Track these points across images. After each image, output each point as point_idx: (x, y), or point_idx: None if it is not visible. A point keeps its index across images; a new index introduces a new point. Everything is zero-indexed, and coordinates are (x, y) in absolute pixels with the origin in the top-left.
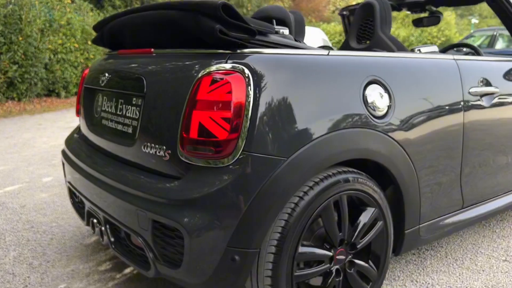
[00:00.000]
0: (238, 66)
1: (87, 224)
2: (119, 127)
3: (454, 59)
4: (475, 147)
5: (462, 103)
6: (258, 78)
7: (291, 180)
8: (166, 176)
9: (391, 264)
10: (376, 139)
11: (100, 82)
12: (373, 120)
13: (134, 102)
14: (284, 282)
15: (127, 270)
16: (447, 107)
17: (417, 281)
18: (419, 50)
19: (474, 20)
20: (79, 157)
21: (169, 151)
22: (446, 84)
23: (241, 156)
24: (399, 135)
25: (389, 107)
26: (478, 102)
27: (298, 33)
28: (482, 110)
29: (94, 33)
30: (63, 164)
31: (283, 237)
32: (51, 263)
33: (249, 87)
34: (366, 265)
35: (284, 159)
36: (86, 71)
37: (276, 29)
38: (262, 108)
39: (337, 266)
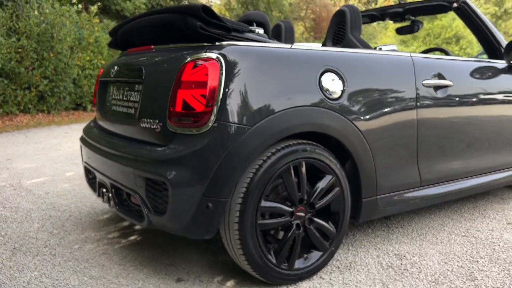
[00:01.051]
0: (214, 55)
1: (98, 195)
2: (124, 110)
3: (410, 56)
4: (429, 132)
5: (415, 92)
6: (230, 64)
7: (255, 144)
8: (157, 145)
9: (359, 236)
10: (330, 117)
11: (111, 75)
12: (328, 101)
13: (136, 89)
14: (249, 228)
15: (132, 238)
16: (400, 94)
17: (380, 249)
18: (380, 48)
19: None
20: (93, 139)
21: (160, 124)
22: (399, 75)
23: (214, 124)
24: (353, 115)
25: (342, 91)
26: (431, 92)
27: (289, 38)
28: (436, 99)
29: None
30: (81, 148)
31: (248, 191)
32: (68, 232)
33: (221, 71)
34: (325, 224)
35: (249, 127)
36: (102, 70)
37: (252, 29)
38: (232, 87)
39: (297, 221)
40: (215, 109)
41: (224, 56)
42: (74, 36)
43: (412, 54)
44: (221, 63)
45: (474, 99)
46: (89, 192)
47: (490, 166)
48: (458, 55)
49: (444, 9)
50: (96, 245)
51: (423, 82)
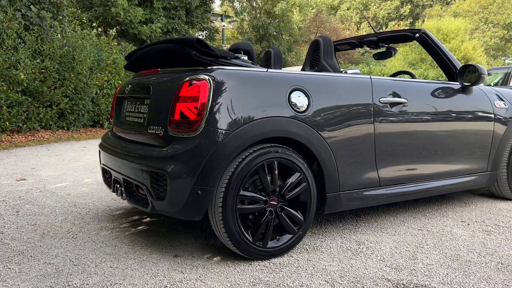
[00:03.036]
0: (205, 76)
1: (113, 190)
2: (136, 120)
3: (370, 78)
4: (386, 141)
5: (372, 107)
6: (217, 83)
7: (235, 145)
8: (160, 146)
9: (330, 227)
10: (296, 126)
11: (126, 92)
12: (295, 113)
13: (145, 103)
14: (230, 211)
15: (140, 227)
16: (359, 109)
17: (344, 237)
18: (346, 71)
19: (508, 61)
20: (110, 145)
21: (163, 130)
22: (358, 93)
23: (203, 130)
24: (317, 125)
25: (308, 105)
26: (387, 108)
27: (277, 63)
28: (392, 113)
29: None
30: (99, 152)
31: (230, 182)
32: (87, 223)
33: (210, 89)
34: (295, 212)
35: (231, 132)
36: (118, 88)
37: (238, 56)
38: (218, 101)
39: (270, 208)
40: (204, 117)
41: (212, 77)
42: (94, 58)
43: (372, 76)
44: (210, 83)
45: (427, 115)
46: (105, 194)
47: (441, 172)
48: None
49: (409, 39)
50: (110, 232)
51: (380, 99)
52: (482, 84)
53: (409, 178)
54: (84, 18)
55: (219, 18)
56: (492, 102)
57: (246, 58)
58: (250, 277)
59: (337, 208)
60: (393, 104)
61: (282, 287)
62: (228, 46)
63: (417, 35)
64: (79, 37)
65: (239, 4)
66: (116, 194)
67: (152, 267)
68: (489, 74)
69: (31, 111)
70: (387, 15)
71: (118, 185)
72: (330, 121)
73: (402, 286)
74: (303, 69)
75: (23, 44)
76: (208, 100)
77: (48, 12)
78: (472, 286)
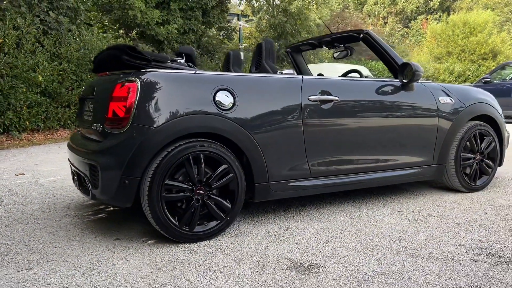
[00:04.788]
0: (135, 79)
1: (73, 182)
2: (88, 118)
3: (302, 77)
4: (316, 136)
5: (300, 104)
6: (145, 85)
7: (158, 140)
8: (98, 141)
9: (269, 215)
10: (221, 122)
11: (85, 93)
12: (220, 111)
13: (90, 102)
14: (155, 199)
15: (100, 215)
16: (286, 106)
17: (276, 224)
18: (281, 72)
19: None
20: (72, 142)
21: (101, 126)
22: (286, 92)
23: (130, 126)
24: (243, 121)
25: (233, 104)
26: (317, 105)
27: (236, 64)
28: (321, 110)
29: None
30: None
31: (155, 173)
32: (56, 211)
33: (138, 89)
34: (222, 200)
35: (154, 128)
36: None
37: (175, 59)
38: (145, 100)
39: (197, 197)
40: (132, 115)
41: (142, 79)
42: None
43: (304, 76)
44: (138, 84)
45: (362, 111)
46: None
47: (380, 165)
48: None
49: (355, 39)
50: (71, 219)
51: (309, 97)
52: (430, 81)
53: (342, 170)
54: (106, 21)
55: (235, 18)
56: (436, 98)
57: (183, 61)
58: (170, 256)
59: (267, 197)
60: (323, 102)
61: (193, 264)
62: (245, 45)
63: (361, 35)
64: (95, 40)
65: (257, 3)
66: (74, 185)
67: (90, 248)
68: (504, 69)
69: (50, 111)
70: (415, 9)
71: (75, 177)
72: (257, 118)
73: (299, 264)
74: (250, 71)
75: (41, 48)
76: (136, 99)
77: (66, 17)
78: (362, 264)
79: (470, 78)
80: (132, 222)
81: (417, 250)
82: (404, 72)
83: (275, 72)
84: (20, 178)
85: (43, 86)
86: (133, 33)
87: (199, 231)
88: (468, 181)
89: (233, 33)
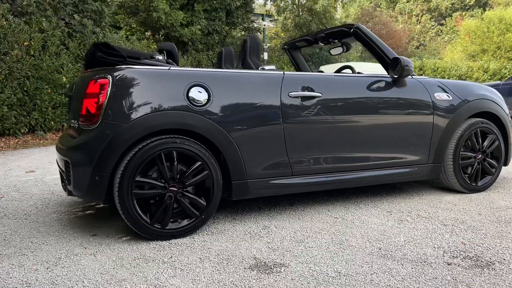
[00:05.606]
0: (107, 75)
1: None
2: (70, 115)
3: (283, 73)
4: (297, 133)
5: (279, 100)
6: (117, 81)
7: (128, 136)
8: (74, 138)
9: (249, 213)
10: (194, 118)
11: (68, 91)
12: (193, 107)
13: (71, 99)
14: (125, 196)
15: (87, 212)
16: (264, 103)
17: (258, 223)
18: (263, 68)
19: None
20: (59, 141)
21: (77, 123)
22: (265, 88)
23: (101, 123)
24: (217, 118)
25: (208, 100)
26: (297, 102)
27: (228, 61)
28: (303, 107)
29: None
30: None
31: (125, 169)
32: (48, 207)
33: (109, 86)
34: (197, 198)
35: (124, 124)
36: None
37: (153, 55)
38: (116, 97)
39: (170, 194)
40: (102, 112)
41: (114, 76)
42: None
43: (286, 72)
44: (110, 81)
45: (348, 107)
46: None
47: (367, 164)
48: None
49: (347, 34)
50: (59, 215)
51: (290, 94)
52: (427, 77)
53: (327, 169)
54: (133, 24)
55: (260, 18)
56: (431, 94)
57: (161, 57)
58: (138, 253)
59: (246, 195)
60: (305, 98)
61: (157, 261)
62: (269, 44)
63: (352, 30)
64: (118, 42)
65: (282, 2)
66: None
67: (64, 243)
68: None
69: None
70: (450, 5)
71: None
72: (233, 115)
73: (263, 263)
74: (236, 67)
75: (66, 50)
76: (107, 96)
77: (90, 20)
78: (327, 265)
79: (506, 76)
80: (115, 219)
81: (392, 251)
82: (394, 67)
83: (257, 68)
84: (29, 175)
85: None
86: (160, 35)
87: (172, 229)
88: (468, 181)
89: (258, 33)
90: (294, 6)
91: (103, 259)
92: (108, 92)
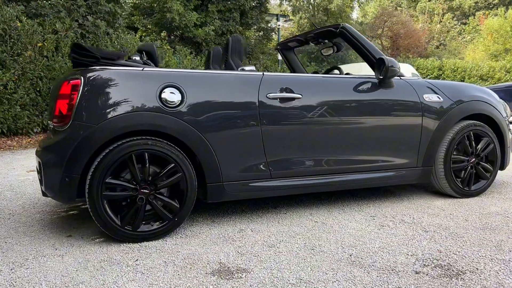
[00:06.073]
0: (79, 76)
1: None
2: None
3: (262, 74)
4: (276, 135)
5: (257, 102)
6: (89, 82)
7: (97, 137)
8: (50, 139)
9: (229, 216)
10: (165, 120)
11: (50, 92)
12: (165, 108)
13: (51, 100)
14: (95, 197)
15: (71, 213)
16: (241, 104)
17: (235, 226)
18: (243, 69)
19: None
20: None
21: (52, 124)
22: (242, 90)
23: (72, 124)
24: (191, 120)
25: (181, 101)
26: (276, 103)
27: (216, 61)
28: (281, 109)
29: None
30: None
31: (95, 171)
32: (34, 207)
33: (81, 87)
34: (169, 200)
35: (95, 125)
36: None
37: (131, 56)
38: (88, 98)
39: (141, 196)
40: (73, 113)
41: (86, 76)
42: None
43: (265, 73)
44: (82, 81)
45: (330, 109)
46: None
47: (350, 167)
48: None
49: (333, 34)
50: (41, 215)
51: (268, 95)
52: (416, 77)
53: (308, 172)
54: (148, 25)
55: (274, 18)
56: (420, 96)
57: (138, 58)
58: (105, 256)
59: (222, 198)
60: (284, 100)
61: (121, 265)
62: None
63: (338, 30)
64: (131, 43)
65: (297, 2)
66: None
67: (37, 244)
68: None
69: None
70: (474, 4)
71: None
72: (208, 116)
73: (226, 269)
74: (220, 68)
75: None
76: (78, 97)
77: (103, 21)
78: (291, 271)
79: None
80: (85, 222)
81: (362, 258)
82: (380, 68)
83: (238, 68)
84: (29, 174)
85: None
86: (175, 36)
87: (143, 231)
88: (461, 186)
89: (272, 33)
90: (310, 6)
91: (69, 261)
92: (80, 93)
